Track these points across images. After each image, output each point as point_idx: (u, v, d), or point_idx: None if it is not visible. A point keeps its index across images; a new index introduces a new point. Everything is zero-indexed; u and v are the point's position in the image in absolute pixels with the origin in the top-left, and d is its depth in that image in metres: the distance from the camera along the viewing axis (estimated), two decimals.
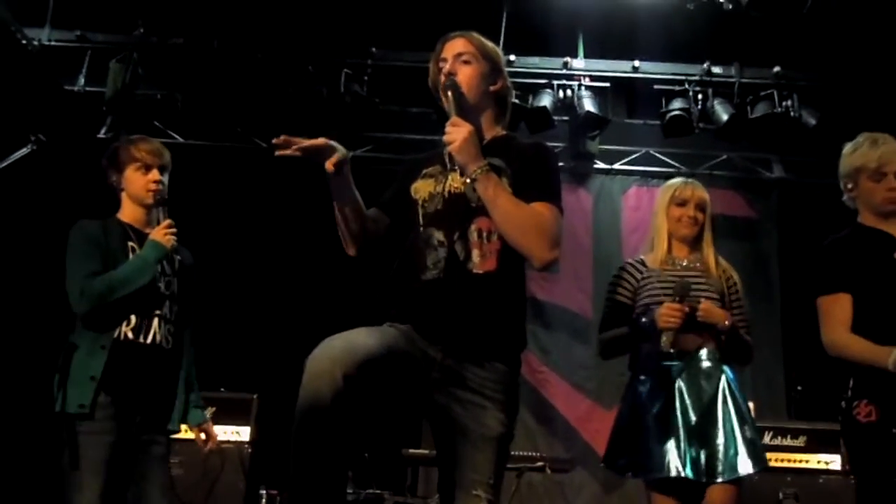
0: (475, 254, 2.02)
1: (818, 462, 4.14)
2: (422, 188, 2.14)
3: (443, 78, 2.12)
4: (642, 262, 3.00)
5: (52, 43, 5.58)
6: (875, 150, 2.58)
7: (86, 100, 5.60)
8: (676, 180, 3.10)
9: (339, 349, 1.75)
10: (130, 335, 2.65)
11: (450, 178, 2.08)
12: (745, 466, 2.66)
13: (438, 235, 2.05)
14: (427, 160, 2.21)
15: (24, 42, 5.34)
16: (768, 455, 4.11)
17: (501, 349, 2.03)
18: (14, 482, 4.62)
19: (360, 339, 1.81)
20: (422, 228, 2.08)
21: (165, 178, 2.80)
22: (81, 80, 5.61)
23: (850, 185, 2.65)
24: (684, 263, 2.95)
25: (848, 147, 2.68)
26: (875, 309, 2.47)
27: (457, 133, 1.98)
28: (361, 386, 1.72)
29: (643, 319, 2.85)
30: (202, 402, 2.93)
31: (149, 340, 2.67)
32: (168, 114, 5.79)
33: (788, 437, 4.21)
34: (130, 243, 2.74)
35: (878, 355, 2.37)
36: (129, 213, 2.83)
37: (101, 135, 5.75)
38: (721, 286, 2.92)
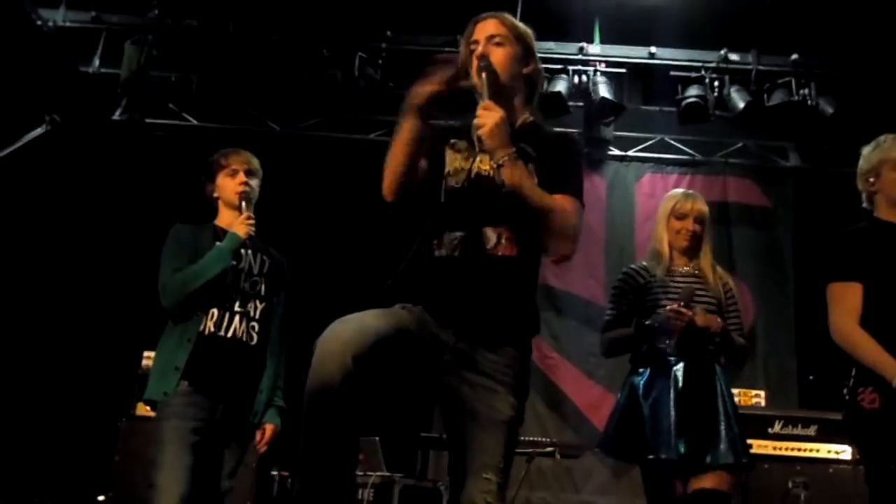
0: (495, 237, 2.01)
1: (829, 452, 4.13)
2: (450, 159, 2.11)
3: (475, 60, 2.08)
4: (645, 268, 3.12)
5: (68, 24, 5.60)
6: None
7: (101, 81, 5.62)
8: (677, 192, 3.23)
9: (349, 331, 1.74)
10: (212, 328, 2.77)
11: (478, 158, 2.05)
12: (725, 457, 2.81)
13: (458, 214, 2.03)
14: (453, 130, 2.16)
15: (39, 23, 5.37)
16: (779, 444, 4.19)
17: (514, 334, 2.03)
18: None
19: (370, 321, 1.80)
20: (442, 204, 2.06)
21: (253, 182, 2.97)
22: (96, 62, 5.63)
23: (871, 179, 2.67)
24: (684, 270, 3.07)
25: (868, 146, 2.73)
26: (886, 302, 2.48)
27: (488, 117, 1.96)
28: (371, 368, 1.72)
29: (647, 322, 2.98)
30: (282, 403, 2.96)
31: (229, 335, 2.79)
32: (183, 96, 5.81)
33: (799, 426, 4.20)
34: (218, 243, 2.87)
35: (884, 365, 2.39)
36: (224, 218, 2.99)
37: (116, 116, 5.77)
38: (719, 293, 3.05)
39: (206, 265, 2.77)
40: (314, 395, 1.70)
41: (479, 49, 2.09)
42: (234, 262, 2.85)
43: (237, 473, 2.84)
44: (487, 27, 2.13)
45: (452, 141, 2.12)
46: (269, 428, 2.88)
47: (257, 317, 2.87)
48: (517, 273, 2.02)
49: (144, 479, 2.82)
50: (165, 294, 2.78)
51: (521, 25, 2.17)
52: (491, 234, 2.01)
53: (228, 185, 2.95)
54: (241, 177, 2.93)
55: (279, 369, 2.96)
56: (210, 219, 3.01)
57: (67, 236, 5.36)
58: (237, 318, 2.82)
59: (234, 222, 2.88)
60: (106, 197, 5.55)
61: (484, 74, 2.03)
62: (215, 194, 2.99)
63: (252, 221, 2.87)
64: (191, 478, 2.59)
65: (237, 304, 2.83)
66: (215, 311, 2.79)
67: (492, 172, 2.01)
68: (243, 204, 2.90)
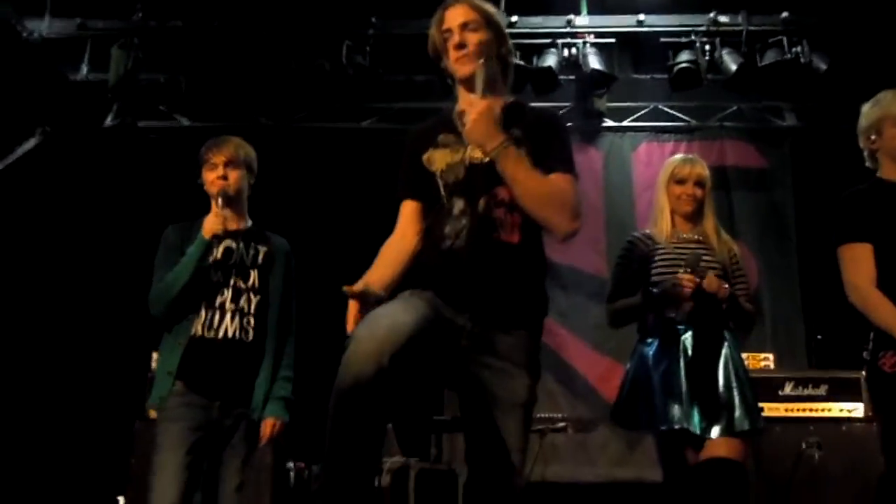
0: (500, 223, 2.02)
1: (840, 410, 4.13)
2: (438, 158, 2.11)
3: (453, 50, 2.09)
4: (648, 236, 3.11)
5: (53, 34, 5.56)
6: None
7: (90, 88, 5.59)
8: (676, 157, 3.20)
9: (385, 328, 1.72)
10: (201, 331, 2.73)
11: (469, 147, 2.06)
12: (741, 424, 2.81)
13: (460, 205, 2.04)
14: (434, 128, 2.17)
15: (24, 34, 5.34)
16: (790, 405, 4.20)
17: (527, 317, 2.06)
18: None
19: (402, 317, 1.78)
20: (444, 199, 2.06)
21: (234, 173, 2.86)
22: (84, 69, 5.60)
23: (872, 137, 2.65)
24: (687, 237, 3.06)
25: (868, 103, 2.71)
26: (892, 263, 2.47)
27: (472, 114, 1.97)
28: (405, 365, 1.71)
29: (654, 290, 2.96)
30: (287, 394, 2.85)
31: (220, 335, 2.74)
32: (173, 97, 5.78)
33: (810, 386, 4.20)
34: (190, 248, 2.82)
35: None
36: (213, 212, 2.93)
37: (108, 122, 5.76)
38: (724, 258, 3.04)
39: (177, 273, 2.73)
40: (347, 392, 1.68)
41: (456, 38, 2.10)
42: (223, 259, 2.80)
43: (243, 486, 2.75)
44: (458, 14, 2.12)
45: (436, 140, 2.12)
46: (269, 423, 2.80)
47: (253, 311, 2.81)
48: (524, 256, 2.05)
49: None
50: (151, 306, 2.78)
51: (489, 6, 2.17)
52: (494, 220, 2.02)
53: (208, 180, 2.86)
54: (220, 170, 2.84)
55: (283, 360, 2.88)
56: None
57: (71, 244, 5.36)
58: (229, 316, 2.77)
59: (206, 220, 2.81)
60: (104, 203, 5.55)
61: (478, 71, 2.03)
62: (205, 188, 2.92)
63: (220, 218, 2.77)
64: (189, 478, 2.59)
65: (229, 301, 2.78)
66: (204, 311, 2.75)
67: (485, 160, 2.02)
68: (219, 200, 2.81)
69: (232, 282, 2.81)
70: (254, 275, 2.86)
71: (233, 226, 2.85)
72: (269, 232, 3.01)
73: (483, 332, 1.98)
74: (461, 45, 2.08)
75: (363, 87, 5.59)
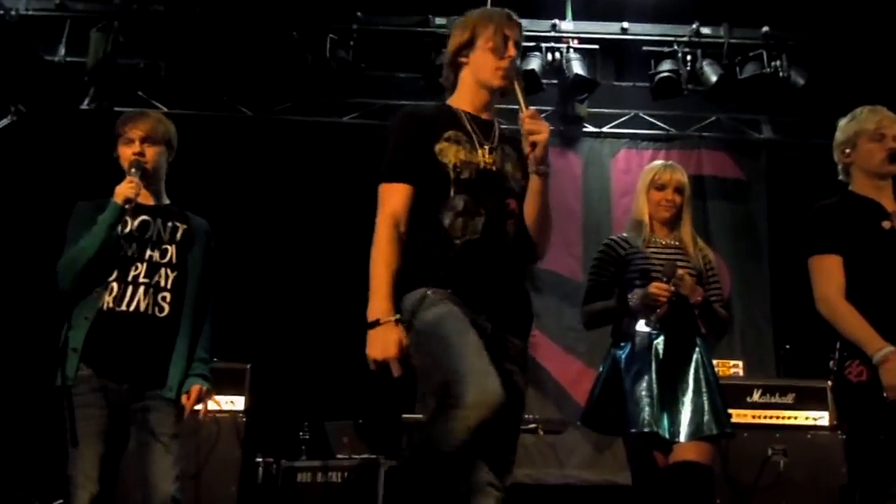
0: (510, 230, 2.13)
1: (806, 418, 4.20)
2: (449, 152, 2.13)
3: (508, 60, 2.20)
4: (626, 240, 3.13)
5: (31, 12, 5.47)
6: (874, 115, 2.68)
7: (67, 70, 5.51)
8: (657, 164, 3.24)
9: (487, 360, 1.89)
10: (111, 304, 2.64)
11: (479, 151, 2.14)
12: (709, 428, 2.83)
13: (473, 204, 2.09)
14: (439, 121, 2.19)
15: (1, 12, 5.25)
16: (757, 412, 4.26)
17: (530, 323, 2.20)
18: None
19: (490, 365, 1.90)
20: (452, 194, 2.10)
21: (151, 149, 2.78)
22: (62, 51, 5.50)
23: (847, 150, 2.70)
24: (664, 242, 3.09)
25: (845, 118, 2.76)
26: (860, 275, 2.52)
27: (542, 127, 2.08)
28: None
29: (629, 295, 2.98)
30: (205, 373, 2.78)
31: (132, 308, 2.65)
32: (151, 83, 5.71)
33: (777, 394, 4.26)
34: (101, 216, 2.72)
35: (867, 340, 2.43)
36: None
37: (84, 106, 5.67)
38: (699, 264, 3.07)
39: (87, 242, 2.63)
40: (485, 422, 1.84)
41: (512, 51, 2.21)
42: (139, 232, 2.72)
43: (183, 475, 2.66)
44: (516, 31, 2.25)
45: (446, 135, 2.15)
46: (194, 389, 2.71)
47: (169, 286, 2.73)
48: (524, 263, 2.19)
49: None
50: (58, 280, 2.65)
51: None
52: (506, 227, 2.13)
53: (124, 154, 2.77)
54: (136, 146, 2.75)
55: (200, 340, 2.80)
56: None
57: (38, 229, 5.27)
58: (142, 289, 2.68)
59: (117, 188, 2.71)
60: (76, 188, 5.46)
61: (517, 83, 2.17)
62: (121, 162, 2.81)
63: (133, 185, 2.67)
64: (107, 470, 2.53)
65: (142, 275, 2.69)
66: (115, 285, 2.66)
67: (495, 167, 2.15)
68: (132, 170, 2.71)
69: (147, 256, 2.73)
70: (171, 250, 2.77)
71: (150, 202, 2.79)
72: (190, 212, 2.92)
73: (500, 334, 2.06)
74: (513, 60, 2.21)
75: (345, 82, 5.57)
